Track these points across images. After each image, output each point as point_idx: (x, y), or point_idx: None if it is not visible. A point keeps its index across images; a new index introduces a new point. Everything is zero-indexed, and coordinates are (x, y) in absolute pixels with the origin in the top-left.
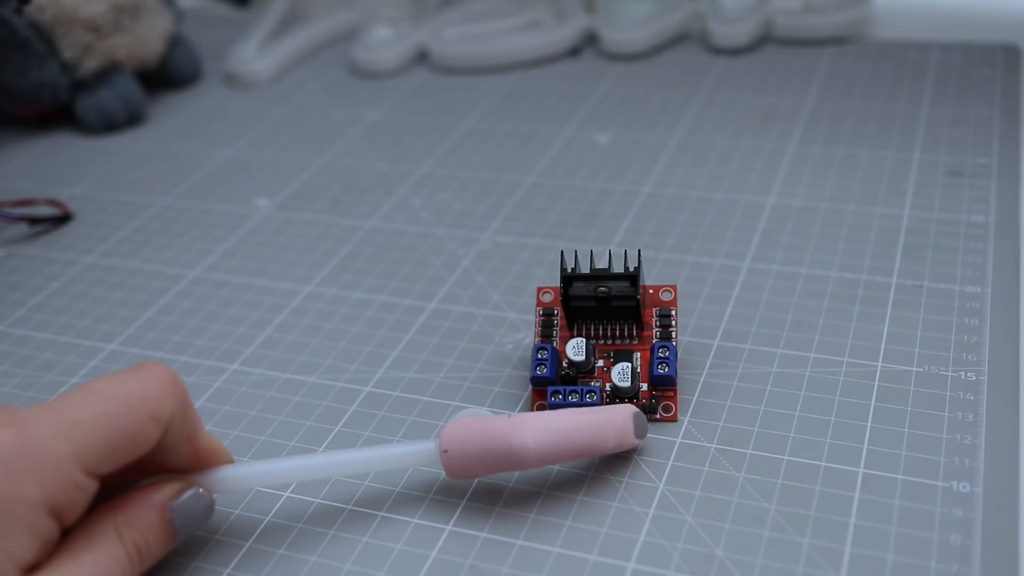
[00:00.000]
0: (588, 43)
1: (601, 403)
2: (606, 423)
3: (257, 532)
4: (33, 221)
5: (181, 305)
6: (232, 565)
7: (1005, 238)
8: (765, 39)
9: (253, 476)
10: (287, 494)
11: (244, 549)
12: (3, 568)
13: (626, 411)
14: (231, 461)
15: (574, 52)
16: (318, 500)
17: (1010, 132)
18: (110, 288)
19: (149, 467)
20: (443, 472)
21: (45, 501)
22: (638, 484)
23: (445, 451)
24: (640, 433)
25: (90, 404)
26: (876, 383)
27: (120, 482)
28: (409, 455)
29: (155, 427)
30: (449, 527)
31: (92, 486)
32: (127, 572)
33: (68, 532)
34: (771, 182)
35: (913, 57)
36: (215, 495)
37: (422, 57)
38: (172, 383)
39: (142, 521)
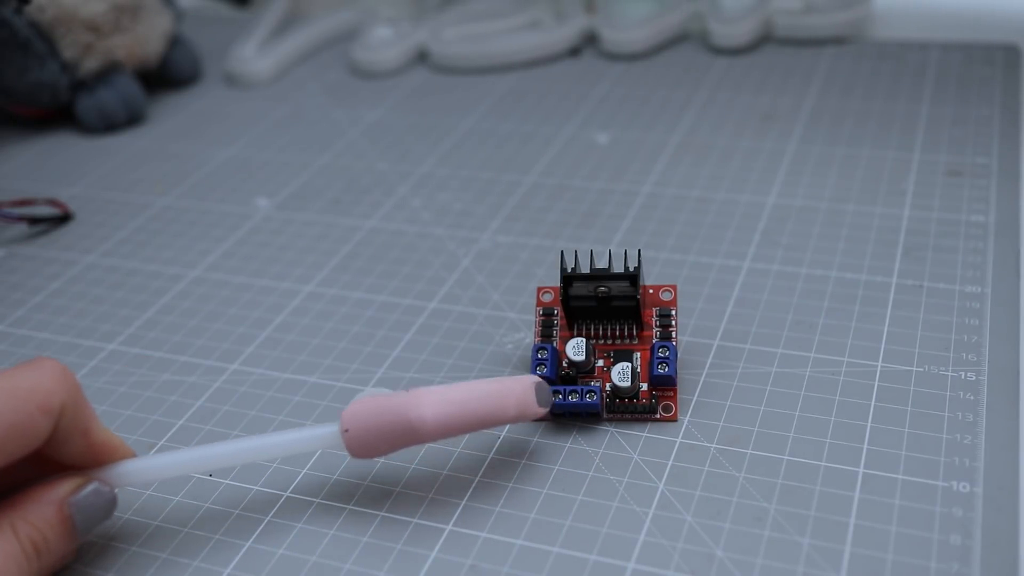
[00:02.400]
0: (588, 43)
1: (601, 404)
2: (505, 392)
3: (257, 532)
4: (33, 221)
5: (181, 305)
6: (232, 565)
7: (1005, 238)
8: (765, 39)
9: (154, 469)
10: (287, 494)
11: (244, 549)
12: None
13: (527, 380)
14: (132, 455)
15: (574, 52)
16: (318, 500)
17: (1010, 132)
18: (110, 288)
19: (46, 465)
20: (347, 454)
21: None
22: (638, 484)
23: (346, 431)
24: (543, 402)
25: None
26: (876, 383)
27: (16, 481)
28: (312, 439)
29: (45, 419)
30: (449, 527)
31: None
32: (24, 569)
33: None
34: (771, 182)
35: (913, 57)
36: (117, 490)
37: (422, 57)
38: (62, 375)
39: (39, 517)
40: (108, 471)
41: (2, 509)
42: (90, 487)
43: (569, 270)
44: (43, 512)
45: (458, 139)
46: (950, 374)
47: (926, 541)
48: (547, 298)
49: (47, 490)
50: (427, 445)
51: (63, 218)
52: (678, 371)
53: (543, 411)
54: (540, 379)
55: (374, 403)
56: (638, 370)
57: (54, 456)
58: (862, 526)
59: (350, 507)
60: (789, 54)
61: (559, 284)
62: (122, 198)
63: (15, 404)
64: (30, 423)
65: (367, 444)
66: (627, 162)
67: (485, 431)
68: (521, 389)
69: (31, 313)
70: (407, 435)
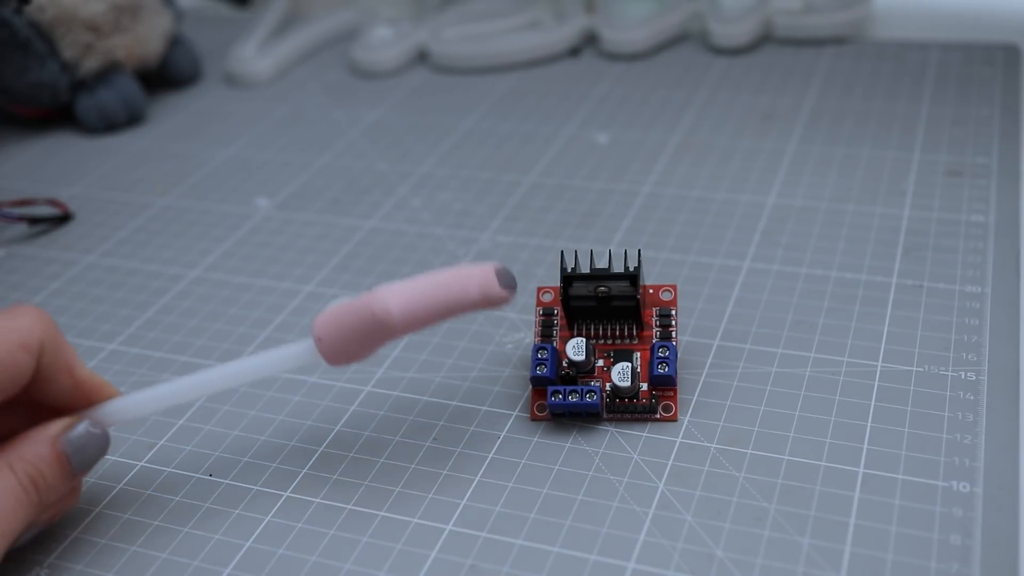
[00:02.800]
0: (588, 43)
1: (601, 404)
2: (466, 276)
3: (257, 532)
4: (33, 221)
5: (181, 305)
6: (232, 565)
7: (1005, 238)
8: (765, 39)
9: (143, 403)
10: (287, 494)
11: (244, 549)
12: None
13: (487, 265)
14: (118, 395)
15: (574, 52)
16: (318, 500)
17: (1010, 132)
18: (110, 288)
19: (38, 413)
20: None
21: None
22: (638, 484)
23: (319, 339)
24: (506, 283)
25: None
26: (876, 383)
27: (11, 429)
28: (291, 356)
29: (26, 356)
30: (449, 527)
31: None
32: (23, 502)
33: None
34: (771, 182)
35: (913, 57)
36: (110, 429)
37: (422, 57)
38: (38, 315)
39: (34, 454)
40: (98, 410)
41: None
42: (81, 425)
43: (569, 270)
44: (38, 450)
45: (458, 139)
46: (950, 374)
47: (926, 541)
48: (547, 298)
49: (39, 430)
50: (427, 444)
51: (63, 218)
52: (678, 371)
53: (509, 295)
54: (502, 265)
55: (340, 308)
56: (638, 370)
57: (42, 398)
58: (862, 526)
59: (350, 507)
60: (789, 54)
61: (559, 284)
62: (122, 198)
63: None
64: (12, 360)
65: (341, 349)
66: (627, 162)
67: (485, 432)
68: (481, 272)
69: None
70: (378, 331)
